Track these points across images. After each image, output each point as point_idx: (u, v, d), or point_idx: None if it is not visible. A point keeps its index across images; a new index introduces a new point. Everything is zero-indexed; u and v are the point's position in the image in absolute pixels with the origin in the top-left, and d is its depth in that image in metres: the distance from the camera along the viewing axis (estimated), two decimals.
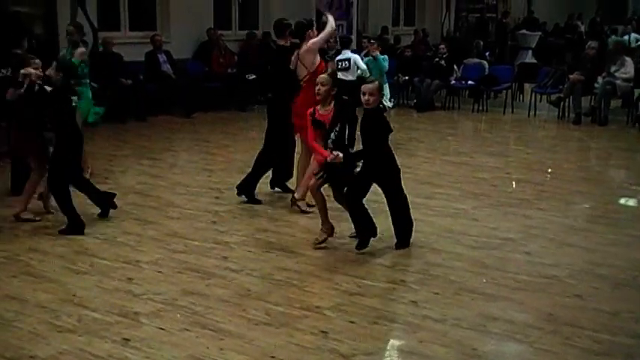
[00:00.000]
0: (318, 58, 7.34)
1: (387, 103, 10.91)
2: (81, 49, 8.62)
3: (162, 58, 13.28)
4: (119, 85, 12.25)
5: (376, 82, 5.99)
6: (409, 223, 6.18)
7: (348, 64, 11.40)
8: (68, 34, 9.16)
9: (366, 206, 5.99)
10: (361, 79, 9.92)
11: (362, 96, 5.86)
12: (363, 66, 11.15)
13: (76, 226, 6.41)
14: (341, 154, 5.85)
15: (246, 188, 7.50)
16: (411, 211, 6.15)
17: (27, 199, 6.83)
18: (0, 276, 5.45)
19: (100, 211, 6.90)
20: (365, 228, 6.02)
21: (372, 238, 6.04)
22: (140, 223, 6.78)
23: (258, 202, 7.46)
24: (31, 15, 12.02)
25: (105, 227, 6.63)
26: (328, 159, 5.89)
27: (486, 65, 14.99)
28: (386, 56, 11.72)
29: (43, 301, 4.96)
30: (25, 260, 5.78)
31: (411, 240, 6.17)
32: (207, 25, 14.42)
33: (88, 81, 8.61)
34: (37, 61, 6.80)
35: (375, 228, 6.05)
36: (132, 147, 10.54)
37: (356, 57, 11.69)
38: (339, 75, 9.62)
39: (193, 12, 14.20)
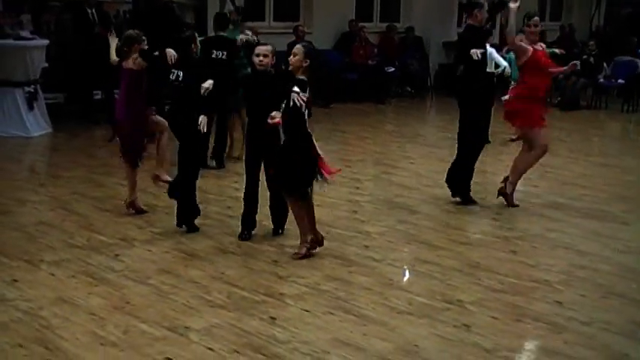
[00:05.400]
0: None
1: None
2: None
3: None
4: None
5: (269, 45, 5.89)
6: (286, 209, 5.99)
7: None
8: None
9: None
10: (496, 76, 9.64)
11: (255, 57, 5.84)
12: (504, 62, 10.17)
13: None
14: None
15: (460, 189, 7.17)
16: (546, 210, 5.92)
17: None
18: (154, 251, 5.77)
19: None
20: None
21: None
22: None
23: (474, 202, 7.18)
24: (183, 5, 12.59)
25: None
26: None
27: (639, 63, 14.29)
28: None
29: (194, 276, 5.22)
30: (177, 238, 6.07)
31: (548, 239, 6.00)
32: (348, 17, 14.60)
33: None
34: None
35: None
36: None
37: (492, 50, 11.28)
38: None
39: (336, 3, 14.40)
